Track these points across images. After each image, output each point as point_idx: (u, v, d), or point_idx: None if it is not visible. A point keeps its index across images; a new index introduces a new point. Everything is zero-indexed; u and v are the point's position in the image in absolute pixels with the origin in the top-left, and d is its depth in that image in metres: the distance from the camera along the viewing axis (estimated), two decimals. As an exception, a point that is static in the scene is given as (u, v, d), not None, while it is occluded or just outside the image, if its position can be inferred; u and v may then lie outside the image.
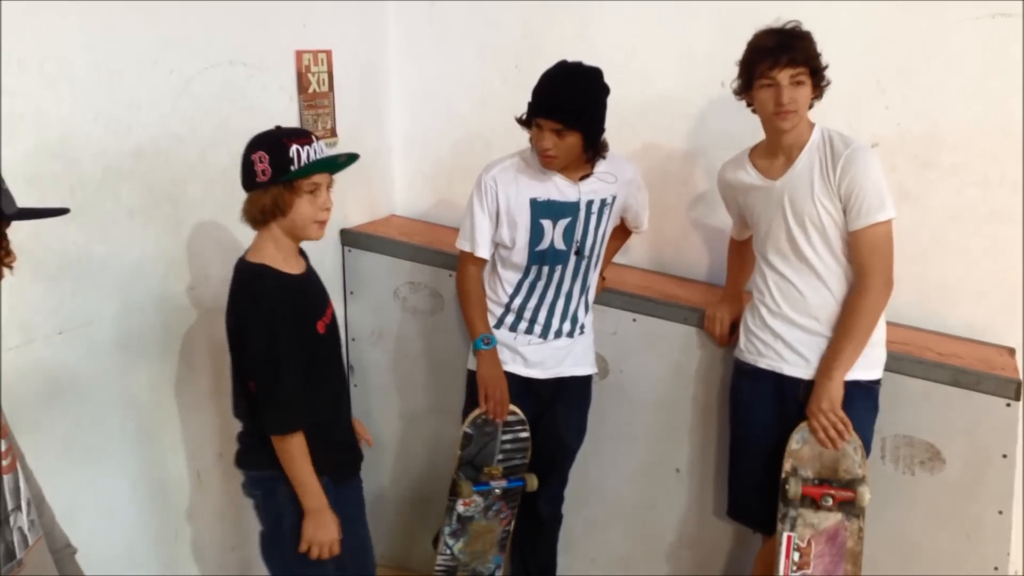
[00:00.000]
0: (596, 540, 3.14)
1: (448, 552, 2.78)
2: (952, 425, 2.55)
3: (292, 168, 2.05)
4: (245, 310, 2.11)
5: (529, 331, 2.67)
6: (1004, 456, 2.50)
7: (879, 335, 2.43)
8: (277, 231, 2.13)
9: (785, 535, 2.44)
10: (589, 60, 2.46)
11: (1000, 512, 2.54)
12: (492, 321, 2.68)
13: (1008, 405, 2.47)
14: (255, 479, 2.25)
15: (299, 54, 2.87)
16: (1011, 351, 2.73)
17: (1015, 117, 2.62)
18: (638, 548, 3.10)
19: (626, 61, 2.96)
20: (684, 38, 2.92)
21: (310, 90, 2.93)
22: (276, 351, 2.08)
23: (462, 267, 2.69)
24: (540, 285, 2.64)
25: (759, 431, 2.54)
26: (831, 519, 2.43)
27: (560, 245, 2.58)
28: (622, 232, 2.84)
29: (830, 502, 2.40)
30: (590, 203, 2.57)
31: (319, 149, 2.10)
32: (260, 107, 2.70)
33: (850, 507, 2.42)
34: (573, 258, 2.61)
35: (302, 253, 2.27)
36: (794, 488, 2.41)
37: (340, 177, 2.21)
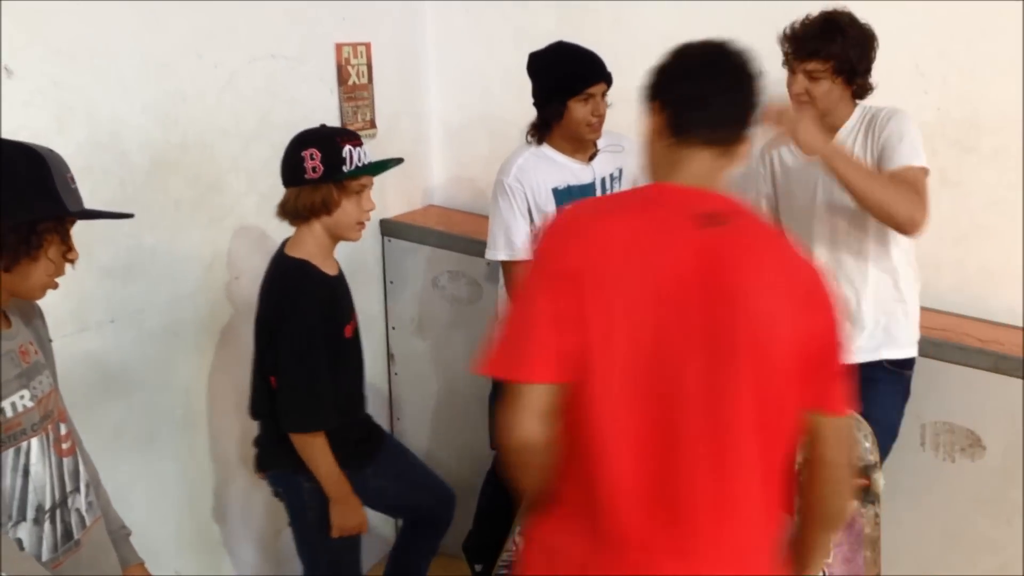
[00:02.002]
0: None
1: (514, 549, 2.81)
2: (992, 411, 2.54)
3: (344, 168, 2.08)
4: (283, 305, 2.12)
5: None
6: (1046, 442, 2.49)
7: (912, 308, 2.39)
8: (318, 228, 2.15)
9: None
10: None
11: (1042, 498, 2.53)
12: None
13: (1050, 391, 2.45)
14: (276, 477, 2.28)
15: (339, 47, 2.91)
16: (1053, 337, 2.70)
17: (1058, 100, 2.59)
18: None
19: (663, 47, 2.93)
20: (722, 24, 2.87)
21: (350, 82, 2.96)
22: (310, 350, 2.09)
23: (509, 276, 2.63)
24: None
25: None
26: None
27: (583, 228, 2.60)
28: None
29: None
30: (603, 180, 2.60)
31: (367, 151, 2.13)
32: (302, 100, 2.75)
33: (865, 494, 2.40)
34: None
35: None
36: None
37: (379, 166, 2.24)
